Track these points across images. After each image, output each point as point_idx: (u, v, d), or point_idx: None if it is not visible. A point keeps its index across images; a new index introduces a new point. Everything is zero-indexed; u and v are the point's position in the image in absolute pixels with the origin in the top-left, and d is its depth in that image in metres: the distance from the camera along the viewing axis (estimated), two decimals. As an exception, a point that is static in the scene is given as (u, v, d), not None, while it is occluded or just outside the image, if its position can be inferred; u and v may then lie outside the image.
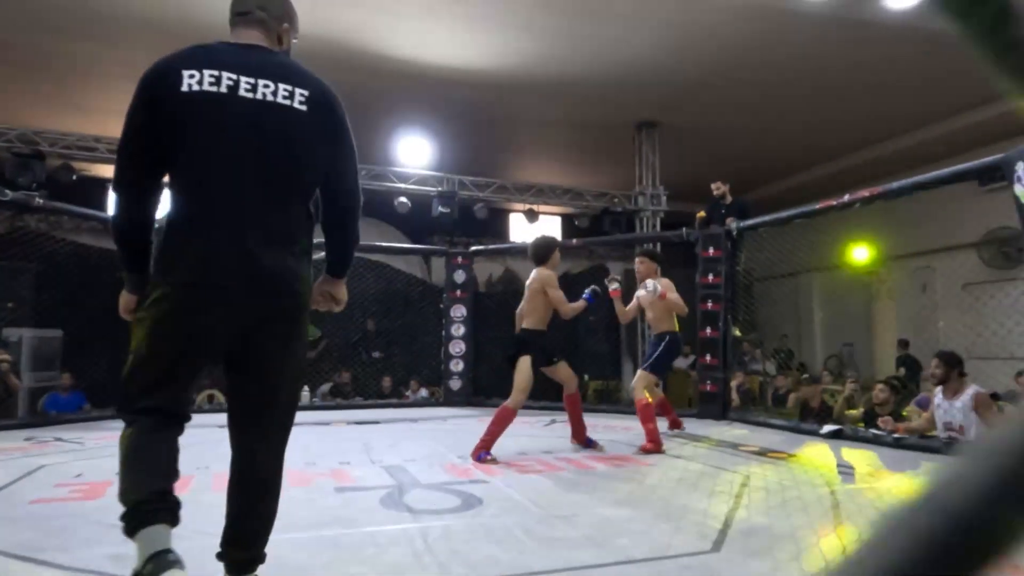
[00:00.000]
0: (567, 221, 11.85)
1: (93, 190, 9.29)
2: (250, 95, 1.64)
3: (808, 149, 10.28)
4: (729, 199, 7.31)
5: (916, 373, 8.45)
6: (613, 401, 9.70)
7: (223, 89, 1.63)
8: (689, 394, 8.36)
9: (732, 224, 6.65)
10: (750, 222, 6.54)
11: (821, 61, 7.43)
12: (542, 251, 4.58)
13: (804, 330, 11.68)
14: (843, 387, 7.31)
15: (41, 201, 6.07)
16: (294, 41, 1.94)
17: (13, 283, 7.55)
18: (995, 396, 5.44)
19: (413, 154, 9.06)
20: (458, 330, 7.96)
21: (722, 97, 8.46)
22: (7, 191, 5.74)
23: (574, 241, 9.49)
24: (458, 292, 8.03)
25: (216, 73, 1.63)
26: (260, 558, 1.81)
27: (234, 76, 1.64)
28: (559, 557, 2.22)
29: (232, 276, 1.63)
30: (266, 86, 1.66)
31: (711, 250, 6.65)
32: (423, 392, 8.39)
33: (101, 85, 8.07)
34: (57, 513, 2.73)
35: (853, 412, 6.29)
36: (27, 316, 7.42)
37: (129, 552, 2.23)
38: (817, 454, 4.39)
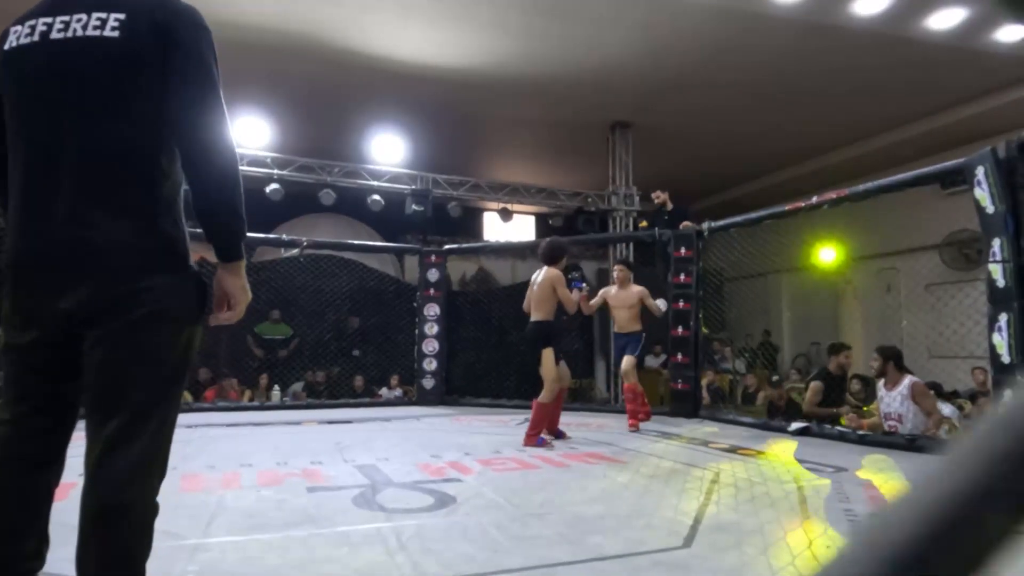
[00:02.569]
0: (541, 220, 11.90)
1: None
2: (61, 35, 1.36)
3: (779, 151, 10.46)
4: (670, 206, 7.39)
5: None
6: (586, 399, 9.76)
7: (36, 37, 1.37)
8: (661, 392, 8.45)
9: (704, 225, 6.73)
10: (720, 223, 6.63)
11: (792, 65, 7.57)
12: (556, 252, 5.07)
13: (773, 329, 11.88)
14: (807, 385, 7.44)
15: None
16: None
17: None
18: (935, 386, 5.69)
19: (387, 152, 9.00)
20: (431, 329, 7.93)
21: (695, 99, 8.57)
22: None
23: (547, 240, 9.54)
24: (431, 291, 8.00)
25: (33, 22, 1.38)
26: None
27: (49, 20, 1.37)
28: (533, 555, 2.23)
29: (44, 264, 1.35)
30: (79, 20, 1.36)
31: (683, 250, 6.74)
32: (398, 391, 8.35)
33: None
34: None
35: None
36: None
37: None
38: (785, 451, 4.48)
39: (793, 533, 2.48)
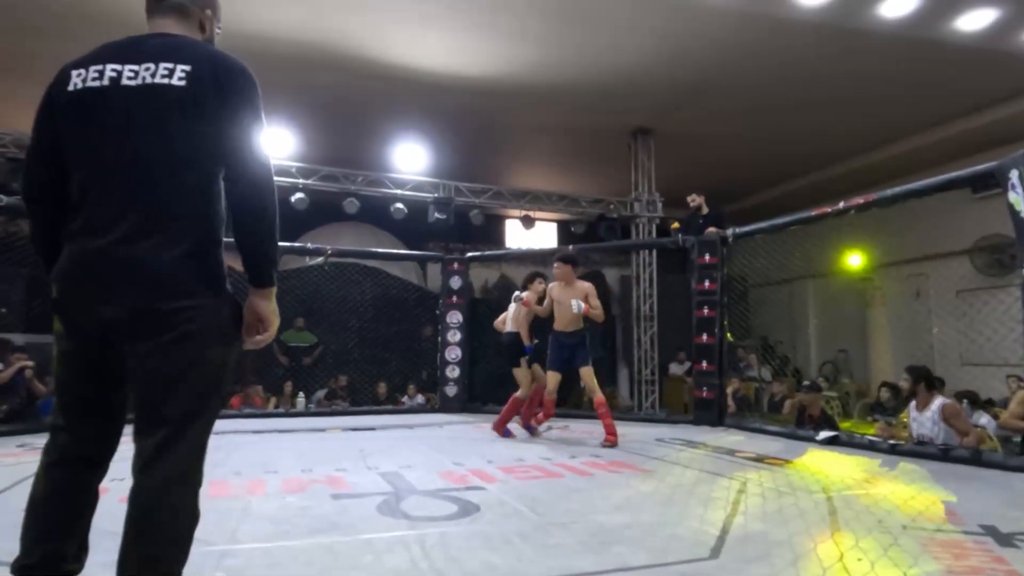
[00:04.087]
0: (563, 227, 11.87)
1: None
2: (131, 82, 1.51)
3: (802, 156, 10.34)
4: (705, 210, 7.35)
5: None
6: (609, 407, 9.70)
7: (105, 82, 1.52)
8: (685, 400, 8.37)
9: (728, 231, 6.67)
10: (746, 228, 6.56)
11: (815, 68, 7.48)
12: (526, 281, 5.64)
13: (799, 336, 11.71)
14: (837, 392, 7.33)
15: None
16: (217, 31, 1.83)
17: (5, 288, 7.52)
18: (971, 395, 5.53)
19: (409, 160, 9.06)
20: (454, 336, 7.95)
21: (717, 104, 8.51)
22: (2, 196, 5.71)
23: (570, 247, 9.51)
24: (454, 298, 8.02)
25: (100, 68, 1.53)
26: None
27: (119, 68, 1.53)
28: (556, 564, 2.21)
29: (92, 278, 1.47)
30: (148, 69, 1.52)
31: (707, 256, 6.67)
32: (419, 398, 8.37)
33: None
34: (51, 520, 2.70)
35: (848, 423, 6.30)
36: (19, 322, 7.38)
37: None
38: (813, 460, 4.40)
39: (823, 545, 2.43)
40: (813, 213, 5.84)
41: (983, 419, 5.16)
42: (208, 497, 3.02)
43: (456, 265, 8.15)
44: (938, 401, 4.76)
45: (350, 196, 8.69)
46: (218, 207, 1.57)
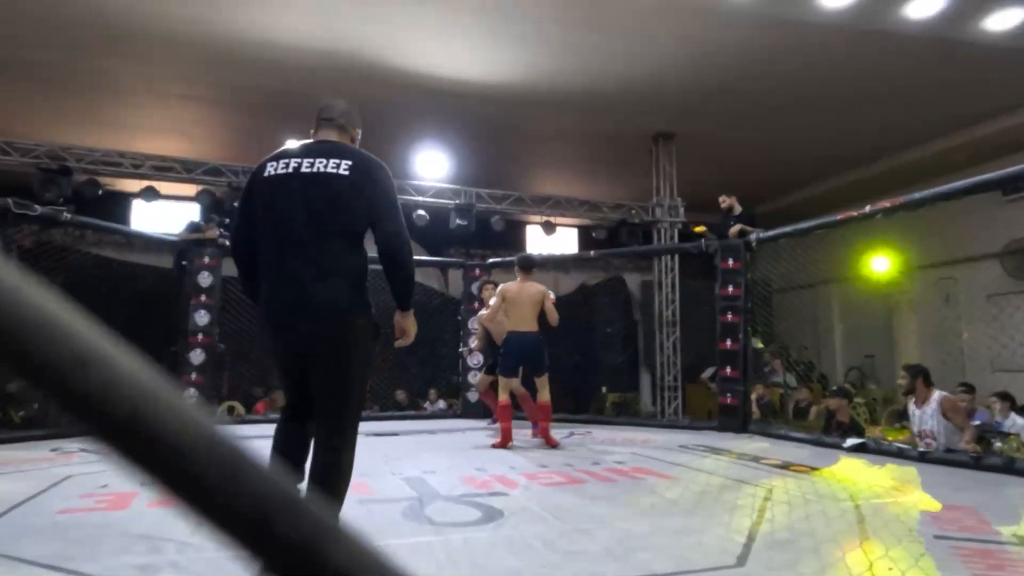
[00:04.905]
0: (584, 233, 11.85)
1: (117, 204, 9.48)
2: (308, 170, 2.22)
3: (827, 159, 10.21)
4: (738, 210, 7.29)
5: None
6: (631, 413, 9.66)
7: (289, 170, 2.24)
8: (709, 406, 8.29)
9: (752, 235, 6.61)
10: (770, 233, 6.50)
11: (839, 70, 7.40)
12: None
13: (824, 342, 11.55)
14: (864, 399, 7.21)
15: (68, 216, 6.18)
16: (358, 139, 2.55)
17: (39, 296, 7.68)
18: (1007, 396, 5.47)
19: (430, 167, 9.12)
20: (476, 341, 7.96)
21: (739, 107, 8.45)
22: (35, 206, 5.86)
23: (591, 253, 9.49)
24: (476, 304, 8.05)
25: (287, 162, 2.27)
26: None
27: (299, 160, 2.25)
28: (580, 570, 2.21)
29: (289, 304, 2.20)
30: (321, 162, 2.23)
31: (730, 261, 6.62)
32: (441, 404, 8.40)
33: (124, 101, 8.23)
34: (84, 523, 2.76)
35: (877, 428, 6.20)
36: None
37: (156, 562, 2.26)
38: (841, 468, 4.33)
39: (852, 554, 2.40)
40: (838, 217, 5.77)
41: (1020, 421, 5.06)
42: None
43: (477, 271, 8.18)
44: (936, 395, 4.84)
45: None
46: (365, 257, 2.29)
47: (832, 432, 5.84)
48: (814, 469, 4.22)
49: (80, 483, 3.64)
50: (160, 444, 0.19)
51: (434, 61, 7.42)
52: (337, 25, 6.67)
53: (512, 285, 5.55)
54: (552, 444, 5.28)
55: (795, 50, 7.00)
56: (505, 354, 5.46)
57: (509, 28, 6.77)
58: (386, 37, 6.92)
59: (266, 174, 2.26)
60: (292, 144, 2.36)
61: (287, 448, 2.28)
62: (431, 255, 10.34)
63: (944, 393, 4.91)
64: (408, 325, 2.39)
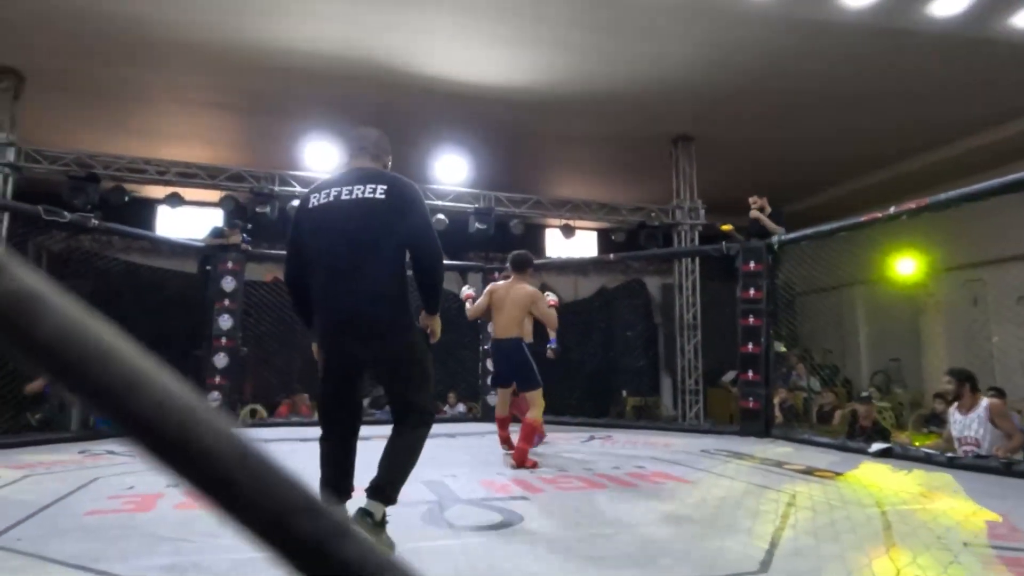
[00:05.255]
0: (603, 236, 11.83)
1: (143, 210, 9.65)
2: (348, 197, 2.44)
3: (850, 160, 10.09)
4: (769, 209, 7.19)
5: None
6: (652, 417, 9.60)
7: (331, 199, 2.46)
8: (731, 411, 8.21)
9: (774, 237, 6.54)
10: (792, 235, 6.43)
11: (860, 69, 7.31)
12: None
13: (849, 345, 11.39)
14: (890, 403, 7.10)
15: (96, 222, 6.31)
16: (389, 166, 2.72)
17: (67, 301, 7.84)
18: (999, 391, 5.40)
19: (450, 171, 9.16)
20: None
21: (760, 109, 8.38)
22: (65, 213, 5.98)
23: (611, 256, 9.46)
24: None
25: (328, 191, 2.48)
26: (385, 492, 2.44)
27: (339, 189, 2.47)
28: (601, 575, 2.20)
29: (343, 323, 2.44)
30: (359, 189, 2.44)
31: (752, 264, 6.55)
32: (460, 407, 8.42)
33: (150, 109, 8.39)
34: (111, 524, 2.81)
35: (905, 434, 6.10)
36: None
37: (181, 562, 2.29)
38: (866, 473, 4.26)
39: (878, 561, 2.36)
40: (862, 219, 5.68)
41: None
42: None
43: (497, 275, 8.18)
44: (985, 401, 4.75)
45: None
46: (406, 273, 2.51)
47: (857, 437, 5.76)
48: (838, 474, 4.16)
49: (107, 485, 3.70)
50: (199, 455, 0.22)
51: (454, 66, 7.47)
52: (357, 32, 6.74)
53: (501, 285, 4.99)
54: (525, 467, 4.37)
55: (816, 50, 6.93)
56: (493, 363, 5.06)
57: (529, 32, 6.79)
58: (406, 43, 6.97)
59: (311, 205, 2.49)
60: (332, 174, 2.62)
61: (335, 467, 2.55)
62: (450, 259, 10.36)
63: (992, 399, 4.83)
64: (436, 325, 2.68)
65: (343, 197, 2.44)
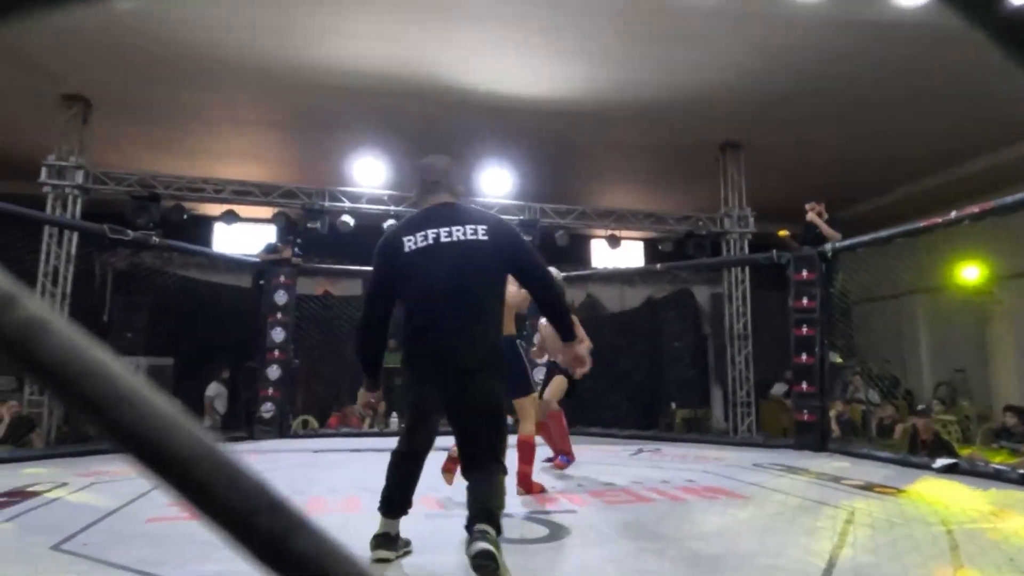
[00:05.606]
0: (650, 245, 11.70)
1: (201, 228, 10.01)
2: (448, 239, 2.41)
3: (907, 163, 9.73)
4: (825, 215, 6.99)
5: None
6: (703, 430, 9.42)
7: (430, 242, 2.42)
8: (784, 424, 7.98)
9: (828, 245, 6.35)
10: (847, 242, 6.24)
11: (916, 68, 7.05)
12: None
13: (909, 356, 10.93)
14: (956, 416, 6.78)
15: (157, 240, 6.57)
16: (462, 195, 2.71)
17: (130, 315, 8.20)
18: None
19: (495, 184, 9.22)
20: (543, 357, 7.95)
21: (810, 112, 8.18)
22: (128, 231, 6.26)
23: (658, 266, 9.35)
24: (538, 318, 8.04)
25: (424, 233, 2.44)
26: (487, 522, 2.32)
27: (436, 231, 2.43)
28: (651, 592, 2.15)
29: (445, 363, 2.39)
30: (458, 231, 2.43)
31: (804, 272, 6.38)
32: (509, 419, 8.42)
33: (206, 129, 8.72)
34: (170, 532, 2.91)
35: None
36: (141, 346, 8.03)
37: (234, 569, 2.34)
38: (930, 490, 4.08)
39: (944, 582, 2.25)
40: (921, 224, 5.48)
41: None
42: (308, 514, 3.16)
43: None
44: None
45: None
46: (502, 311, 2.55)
47: (920, 451, 5.51)
48: (900, 491, 3.99)
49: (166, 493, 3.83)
50: (178, 462, 0.26)
51: (499, 79, 7.53)
52: (402, 49, 6.87)
53: None
54: (532, 491, 3.94)
55: (868, 50, 6.72)
56: None
57: (573, 44, 6.80)
58: (451, 58, 7.07)
59: (407, 249, 2.43)
60: (417, 214, 2.55)
61: (405, 485, 2.58)
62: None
63: None
64: (580, 353, 2.63)
65: (443, 240, 2.41)
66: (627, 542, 2.79)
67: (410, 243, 2.44)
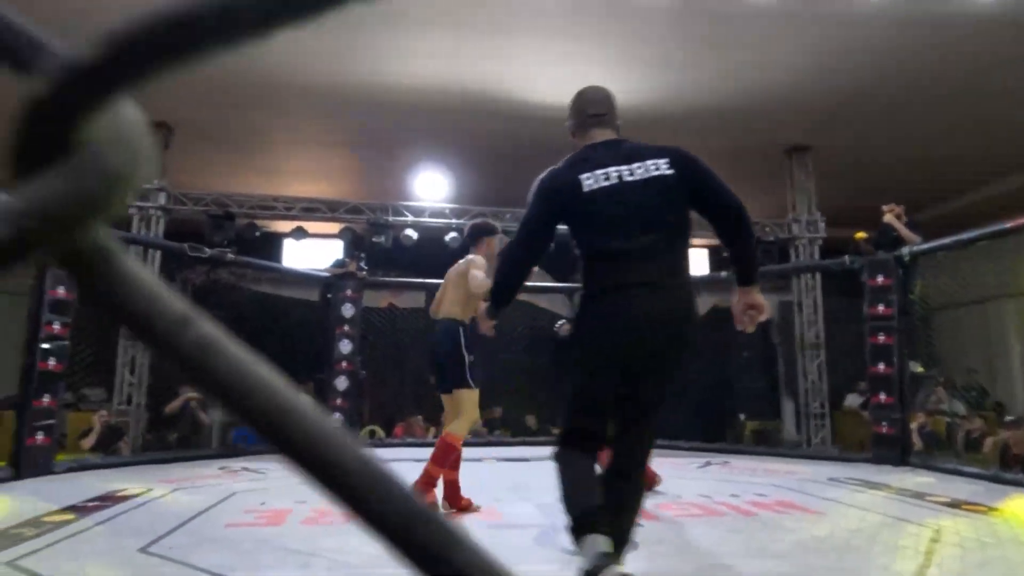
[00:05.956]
0: (714, 252, 11.44)
1: (272, 244, 10.42)
2: (631, 178, 2.17)
3: (988, 160, 9.20)
4: (904, 218, 6.68)
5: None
6: (773, 443, 9.12)
7: (613, 180, 2.17)
8: (861, 436, 7.63)
9: (905, 249, 6.07)
10: (925, 246, 5.94)
11: (993, 62, 6.67)
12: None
13: (999, 364, 10.29)
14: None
15: (232, 256, 6.89)
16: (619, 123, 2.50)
17: (208, 329, 8.60)
18: None
19: (554, 194, 9.25)
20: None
21: (880, 112, 7.86)
22: (205, 249, 6.58)
23: (722, 274, 9.13)
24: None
25: (605, 171, 2.19)
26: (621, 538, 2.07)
27: (616, 168, 2.19)
28: (721, 609, 2.10)
29: (648, 318, 2.08)
30: (639, 168, 2.19)
31: (880, 278, 6.11)
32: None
33: (276, 151, 9.11)
34: (246, 537, 3.02)
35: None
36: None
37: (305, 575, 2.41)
38: (1025, 508, 3.82)
39: (1042, 608, 2.10)
40: (1008, 225, 5.16)
41: None
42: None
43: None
44: None
45: (500, 233, 9.00)
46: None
47: (1012, 467, 5.17)
48: (991, 509, 3.75)
49: (243, 499, 3.99)
50: (339, 473, 0.28)
51: (557, 92, 7.55)
52: (462, 66, 7.00)
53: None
54: (459, 507, 3.69)
55: (940, 45, 6.41)
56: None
57: (630, 53, 6.77)
58: (509, 71, 7.16)
59: (586, 189, 2.17)
60: (586, 151, 2.32)
61: (590, 488, 2.09)
62: (557, 281, 10.41)
63: None
64: (759, 299, 2.22)
65: (626, 178, 2.16)
66: (695, 557, 2.73)
67: (589, 183, 2.17)
